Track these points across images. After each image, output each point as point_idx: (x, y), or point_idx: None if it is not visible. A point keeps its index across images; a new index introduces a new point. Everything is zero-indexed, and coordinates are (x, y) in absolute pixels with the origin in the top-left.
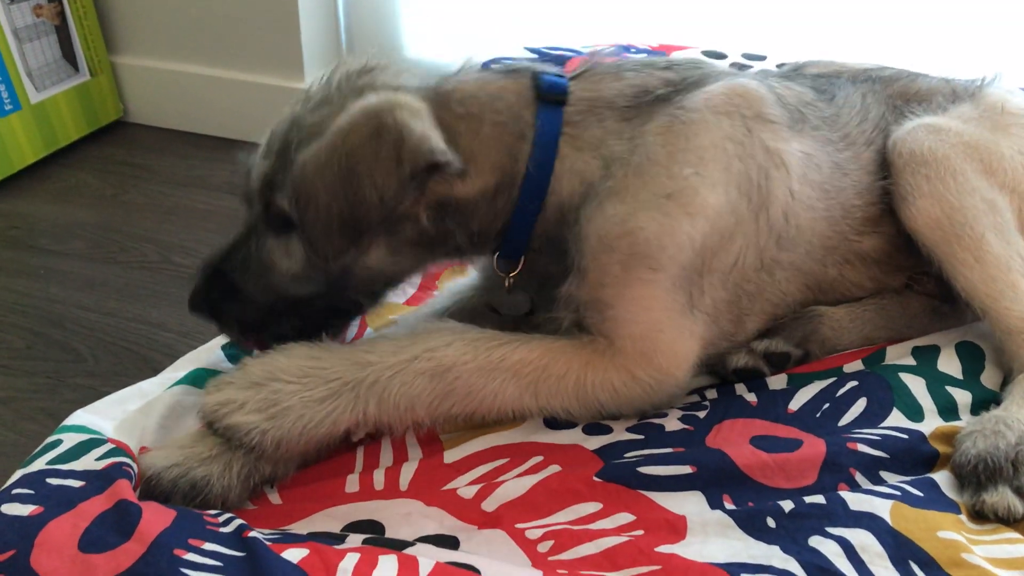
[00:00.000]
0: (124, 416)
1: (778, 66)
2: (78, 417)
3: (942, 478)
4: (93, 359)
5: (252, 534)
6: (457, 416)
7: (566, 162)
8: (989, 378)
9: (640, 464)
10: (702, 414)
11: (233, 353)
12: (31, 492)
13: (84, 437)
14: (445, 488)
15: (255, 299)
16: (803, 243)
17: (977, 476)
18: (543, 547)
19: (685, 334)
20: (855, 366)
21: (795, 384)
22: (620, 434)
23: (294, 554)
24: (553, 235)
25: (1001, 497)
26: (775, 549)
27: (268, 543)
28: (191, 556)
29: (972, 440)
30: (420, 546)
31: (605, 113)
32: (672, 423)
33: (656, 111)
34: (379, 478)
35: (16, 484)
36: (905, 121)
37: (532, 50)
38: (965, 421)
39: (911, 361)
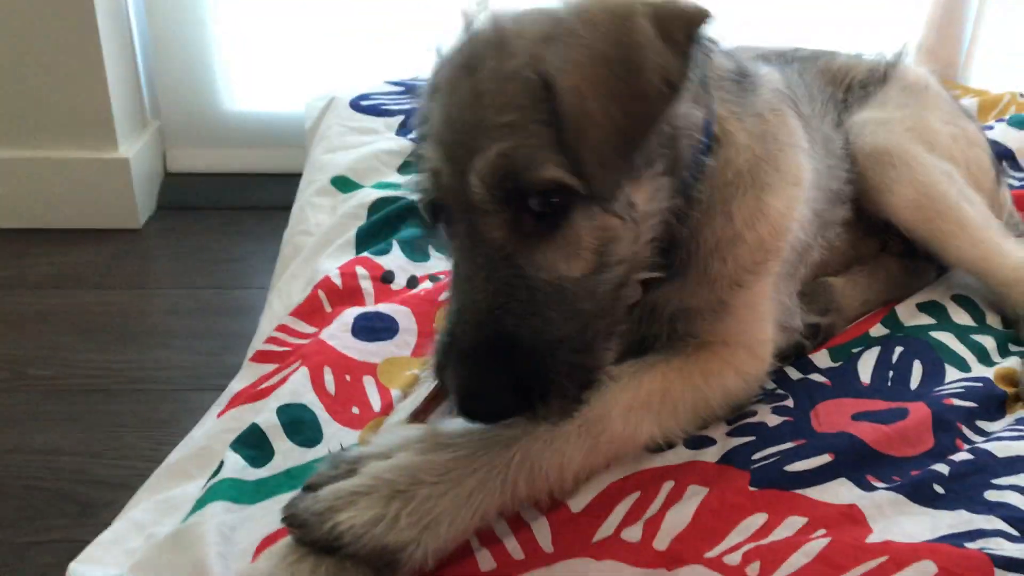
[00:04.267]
0: (143, 557)
1: None
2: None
3: None
4: None
5: None
6: (599, 469)
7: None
8: (994, 321)
9: (783, 464)
10: (790, 403)
11: (253, 455)
12: None
13: None
14: (600, 538)
15: (548, 342)
16: (818, 220)
17: None
18: (752, 570)
19: (771, 319)
20: (880, 330)
21: (842, 358)
22: (728, 441)
23: None
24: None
25: None
26: (962, 513)
27: None
28: None
29: None
30: None
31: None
32: (770, 418)
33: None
34: (512, 546)
35: None
36: (849, 115)
37: (396, 82)
38: (1010, 362)
39: (929, 319)
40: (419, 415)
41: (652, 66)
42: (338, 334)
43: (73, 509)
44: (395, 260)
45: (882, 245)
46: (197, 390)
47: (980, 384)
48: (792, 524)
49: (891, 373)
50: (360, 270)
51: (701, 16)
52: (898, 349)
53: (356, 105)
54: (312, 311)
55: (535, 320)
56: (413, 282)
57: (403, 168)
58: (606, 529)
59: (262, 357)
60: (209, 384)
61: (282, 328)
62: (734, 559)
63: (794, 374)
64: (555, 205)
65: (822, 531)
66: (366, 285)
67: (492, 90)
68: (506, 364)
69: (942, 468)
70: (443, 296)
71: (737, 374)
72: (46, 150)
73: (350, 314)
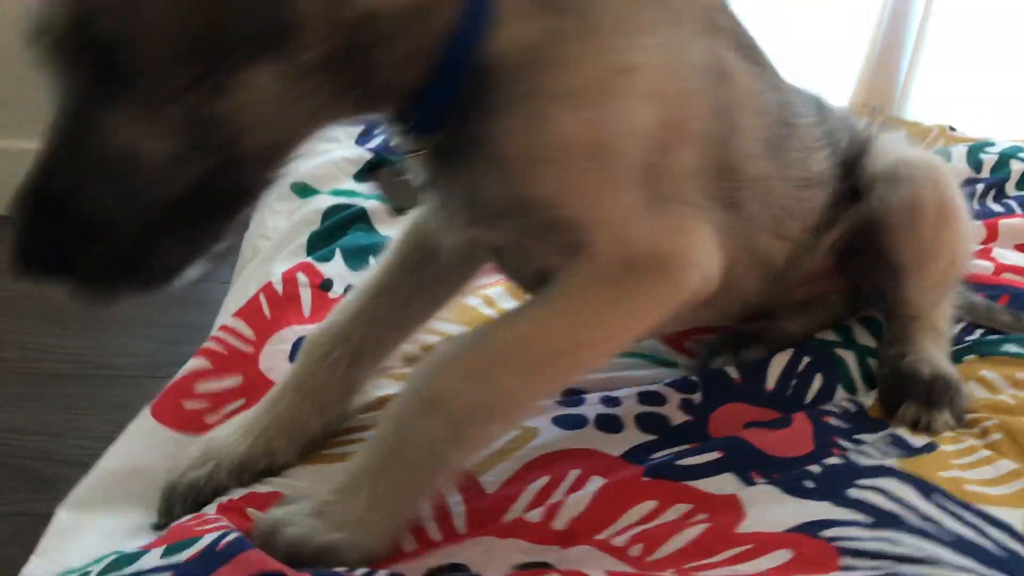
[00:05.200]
0: None
1: None
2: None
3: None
4: None
5: None
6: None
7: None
8: None
9: (676, 459)
10: (698, 398)
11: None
12: None
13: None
14: (508, 519)
15: (117, 222)
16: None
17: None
18: (635, 551)
19: None
20: None
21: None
22: (634, 433)
23: None
24: None
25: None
26: (826, 504)
27: None
28: None
29: None
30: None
31: None
32: (676, 413)
33: None
34: (432, 528)
35: None
36: None
37: None
38: None
39: (835, 336)
40: None
41: None
42: (276, 364)
43: (33, 485)
44: (336, 268)
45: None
46: (154, 377)
47: (855, 409)
48: (678, 510)
49: (793, 382)
50: (301, 277)
51: None
52: (805, 359)
53: None
54: (252, 313)
55: (91, 193)
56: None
57: (357, 175)
58: (514, 511)
59: (204, 353)
60: (165, 372)
61: (224, 328)
62: (621, 540)
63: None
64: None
65: (704, 516)
66: (305, 293)
67: None
68: (50, 230)
69: (813, 468)
70: None
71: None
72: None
73: (290, 334)
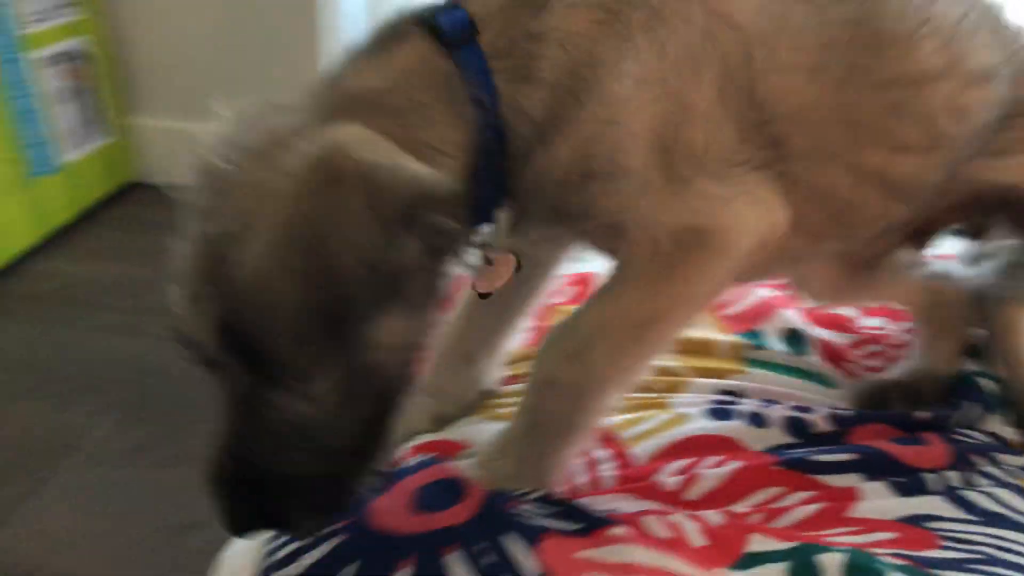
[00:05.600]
0: None
1: None
2: None
3: None
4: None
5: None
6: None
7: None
8: None
9: (811, 455)
10: (845, 413)
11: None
12: None
13: None
14: (649, 482)
15: (310, 472)
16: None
17: None
18: (754, 519)
19: None
20: None
21: None
22: (779, 436)
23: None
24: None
25: None
26: (936, 500)
27: None
28: (523, 507)
29: None
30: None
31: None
32: (821, 422)
33: None
34: (582, 482)
35: None
36: None
37: None
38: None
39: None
40: None
41: (348, 247)
42: None
43: None
44: None
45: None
46: None
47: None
48: (800, 496)
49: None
50: None
51: (424, 199)
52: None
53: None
54: None
55: (278, 458)
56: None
57: None
58: (655, 478)
59: None
60: None
61: None
62: (742, 507)
63: None
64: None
65: (821, 499)
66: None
67: (204, 251)
68: (250, 494)
69: (940, 475)
70: None
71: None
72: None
73: None
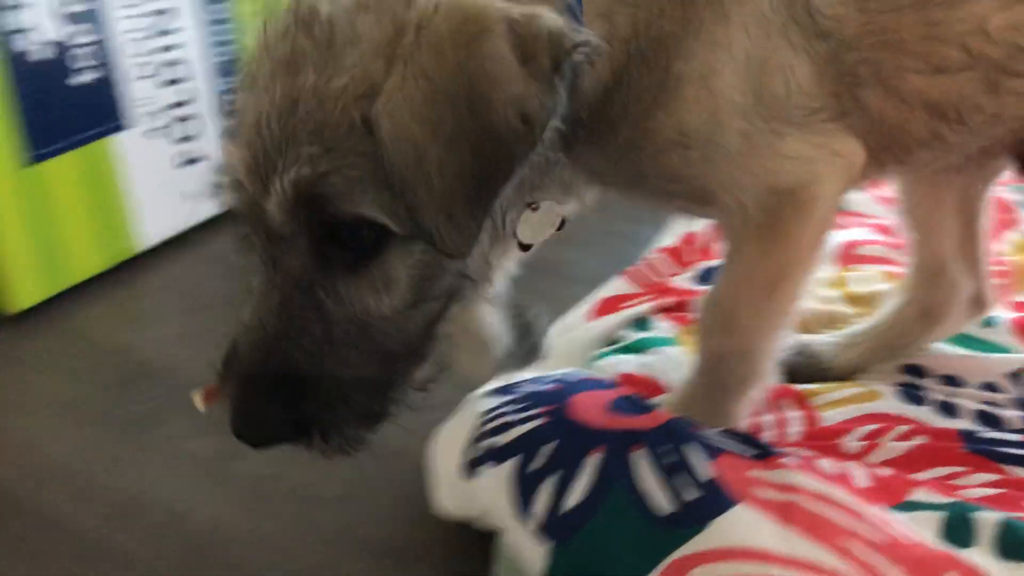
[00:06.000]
0: None
1: None
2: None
3: None
4: None
5: None
6: None
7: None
8: None
9: (1000, 445)
10: None
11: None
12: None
13: None
14: (834, 442)
15: (363, 376)
16: None
17: None
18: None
19: None
20: None
21: None
22: (968, 424)
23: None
24: None
25: None
26: None
27: None
28: (706, 431)
29: None
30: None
31: None
32: (1012, 416)
33: None
34: (769, 434)
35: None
36: None
37: None
38: None
39: None
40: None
41: (506, 99)
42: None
43: None
44: None
45: None
46: None
47: None
48: (981, 477)
49: None
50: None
51: (571, 41)
52: None
53: None
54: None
55: (328, 359)
56: None
57: None
58: (839, 441)
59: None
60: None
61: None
62: (919, 477)
63: None
64: (366, 239)
65: (999, 483)
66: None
67: (312, 106)
68: (287, 398)
69: None
70: None
71: None
72: None
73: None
